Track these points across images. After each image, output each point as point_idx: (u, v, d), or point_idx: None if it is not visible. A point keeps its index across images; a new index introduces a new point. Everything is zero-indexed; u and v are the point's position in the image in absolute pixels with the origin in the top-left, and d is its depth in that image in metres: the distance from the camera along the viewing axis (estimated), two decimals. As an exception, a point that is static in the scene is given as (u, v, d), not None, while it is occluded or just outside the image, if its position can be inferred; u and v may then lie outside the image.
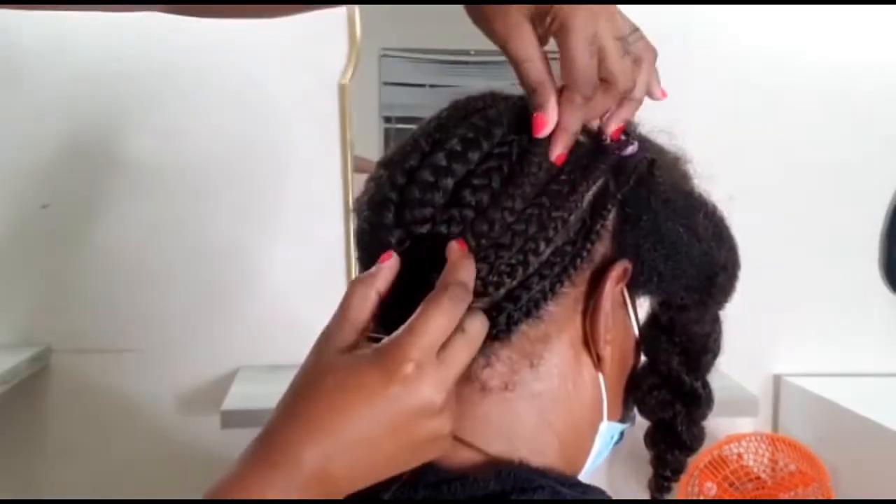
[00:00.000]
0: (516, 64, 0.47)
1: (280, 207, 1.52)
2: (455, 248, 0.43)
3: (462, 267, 0.43)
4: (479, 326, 0.43)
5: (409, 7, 1.50)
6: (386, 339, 0.41)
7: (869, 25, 1.60)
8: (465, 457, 0.46)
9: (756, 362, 1.65)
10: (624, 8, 1.52)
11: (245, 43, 1.49)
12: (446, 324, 0.41)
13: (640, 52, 0.49)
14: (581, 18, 0.46)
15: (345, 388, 0.40)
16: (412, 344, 0.40)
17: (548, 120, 0.46)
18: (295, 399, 0.41)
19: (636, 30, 0.49)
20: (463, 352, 0.42)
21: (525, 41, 0.47)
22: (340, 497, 0.41)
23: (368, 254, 0.46)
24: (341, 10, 1.50)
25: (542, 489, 0.43)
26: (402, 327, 0.41)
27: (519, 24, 0.47)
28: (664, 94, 0.51)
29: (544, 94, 0.46)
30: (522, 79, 0.47)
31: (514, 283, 0.44)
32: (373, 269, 0.44)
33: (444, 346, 0.41)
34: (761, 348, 1.64)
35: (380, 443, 0.40)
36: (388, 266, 0.44)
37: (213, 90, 1.49)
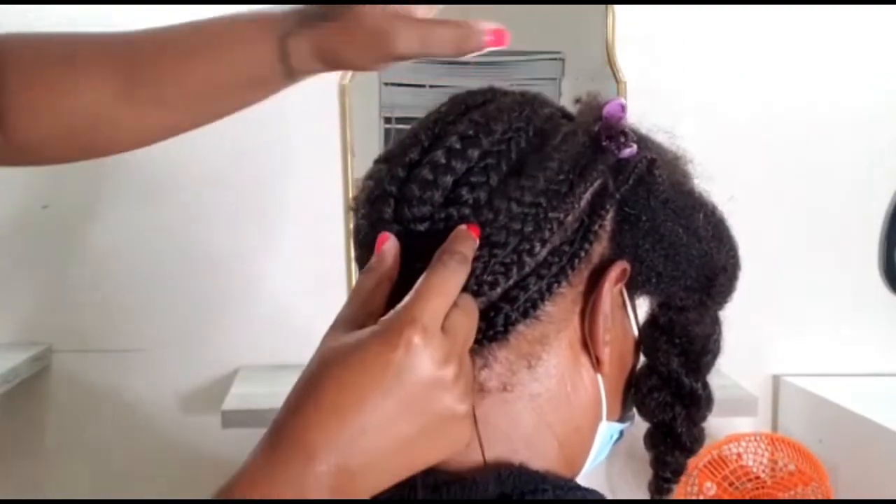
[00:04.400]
0: (428, 49, 0.47)
1: (280, 207, 1.53)
2: (461, 227, 0.43)
3: (463, 240, 0.42)
4: (469, 300, 0.42)
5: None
6: (390, 312, 0.39)
7: (870, 25, 1.60)
8: (463, 459, 0.45)
9: (755, 362, 1.65)
10: (623, 8, 1.53)
11: (245, 43, 1.49)
12: (449, 291, 0.40)
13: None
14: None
15: (348, 364, 0.37)
16: (416, 308, 0.38)
17: (498, 28, 0.47)
18: (303, 388, 0.39)
19: None
20: (464, 323, 0.40)
21: (403, 35, 0.47)
22: (365, 496, 0.38)
23: (368, 251, 0.46)
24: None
25: (544, 492, 0.43)
26: (405, 299, 0.39)
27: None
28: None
29: (470, 26, 0.47)
30: (449, 47, 0.47)
31: (510, 282, 0.44)
32: (374, 258, 0.43)
33: (445, 318, 0.39)
34: (760, 348, 1.64)
35: (392, 422, 0.37)
36: (390, 248, 0.43)
37: (214, 90, 1.49)
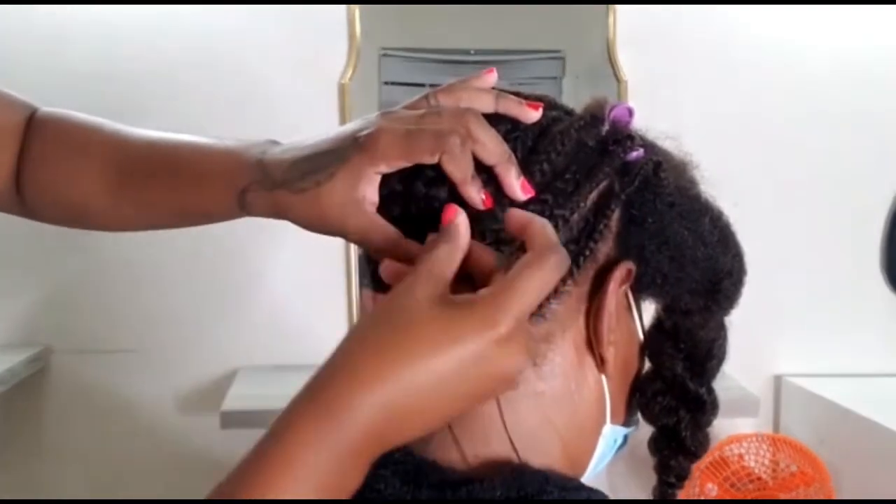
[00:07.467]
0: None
1: (280, 207, 1.52)
2: (524, 216, 0.41)
3: (550, 233, 0.40)
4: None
5: (409, 7, 1.50)
6: (484, 292, 0.38)
7: (872, 28, 1.60)
8: (467, 455, 0.46)
9: (757, 363, 1.65)
10: (624, 7, 1.52)
11: (245, 43, 1.49)
12: (544, 290, 0.39)
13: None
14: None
15: (435, 337, 0.37)
16: (515, 304, 0.37)
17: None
18: (362, 345, 0.37)
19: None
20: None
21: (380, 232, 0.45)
22: (389, 446, 0.38)
23: None
24: (341, 10, 1.50)
25: (548, 493, 0.43)
26: (499, 284, 0.38)
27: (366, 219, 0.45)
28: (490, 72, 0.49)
29: (401, 246, 0.45)
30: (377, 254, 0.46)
31: None
32: (448, 227, 0.41)
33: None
34: (762, 349, 1.65)
35: (451, 390, 0.37)
36: (463, 222, 0.41)
37: (214, 90, 1.49)
